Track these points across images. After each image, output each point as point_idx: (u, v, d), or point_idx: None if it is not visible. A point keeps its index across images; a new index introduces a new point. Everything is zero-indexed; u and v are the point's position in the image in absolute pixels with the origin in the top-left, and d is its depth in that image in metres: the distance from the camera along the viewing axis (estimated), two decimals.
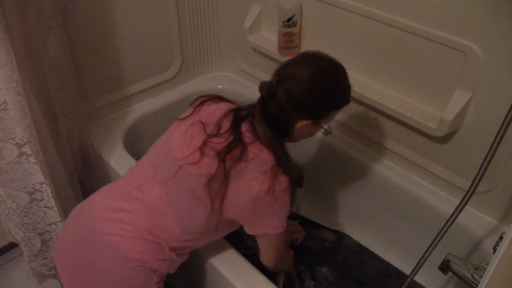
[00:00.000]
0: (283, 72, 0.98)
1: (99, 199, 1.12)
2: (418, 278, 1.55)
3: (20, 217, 1.36)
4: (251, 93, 1.89)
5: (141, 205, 1.04)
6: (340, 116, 1.60)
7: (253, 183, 0.95)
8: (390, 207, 1.56)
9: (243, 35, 1.74)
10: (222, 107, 1.06)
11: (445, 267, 1.16)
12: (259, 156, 0.96)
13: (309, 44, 1.58)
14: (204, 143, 0.98)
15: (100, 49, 1.58)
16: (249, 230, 1.06)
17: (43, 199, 1.35)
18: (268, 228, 1.04)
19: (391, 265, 1.61)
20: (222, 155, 0.95)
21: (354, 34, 1.41)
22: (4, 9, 1.13)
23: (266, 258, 1.15)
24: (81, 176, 1.62)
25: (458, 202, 1.39)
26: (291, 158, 1.07)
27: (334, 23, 1.45)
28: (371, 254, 1.66)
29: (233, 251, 1.22)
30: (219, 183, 0.95)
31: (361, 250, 1.67)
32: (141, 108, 1.79)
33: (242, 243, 1.68)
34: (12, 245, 1.77)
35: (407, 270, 1.58)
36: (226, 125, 1.00)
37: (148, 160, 1.11)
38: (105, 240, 1.02)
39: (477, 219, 1.33)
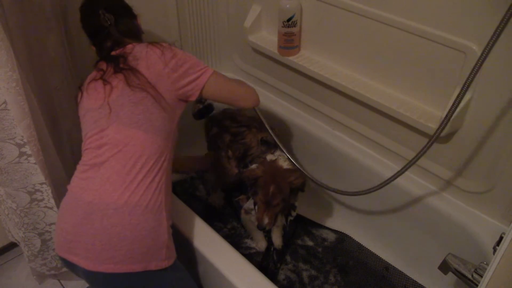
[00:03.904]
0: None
1: (76, 182, 1.13)
2: (418, 278, 1.55)
3: (20, 217, 1.36)
4: None
5: (112, 149, 1.10)
6: (339, 116, 1.61)
7: (149, 56, 1.18)
8: (390, 207, 1.56)
9: (243, 35, 1.74)
10: (93, 70, 1.24)
11: (445, 267, 1.16)
12: (136, 45, 1.22)
13: (309, 44, 1.58)
14: (103, 80, 1.17)
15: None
16: (197, 89, 1.22)
17: (43, 199, 1.35)
18: (203, 74, 1.21)
19: (391, 265, 1.61)
20: (117, 68, 1.16)
21: (354, 34, 1.41)
22: (4, 9, 1.14)
23: (242, 92, 1.32)
24: None
25: (458, 201, 1.40)
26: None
27: (334, 23, 1.45)
28: (370, 254, 1.66)
29: (233, 251, 1.22)
30: (135, 77, 1.14)
31: (361, 250, 1.67)
32: None
33: (242, 243, 1.69)
34: (12, 245, 1.77)
35: (407, 270, 1.58)
36: (103, 64, 1.21)
37: (87, 132, 1.16)
38: (102, 203, 1.05)
39: (477, 219, 1.33)
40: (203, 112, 1.59)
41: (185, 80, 1.19)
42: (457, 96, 1.06)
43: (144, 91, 1.13)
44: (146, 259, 1.06)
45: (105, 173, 1.07)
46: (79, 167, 1.13)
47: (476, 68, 1.00)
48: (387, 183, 1.28)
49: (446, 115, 1.10)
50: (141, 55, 1.17)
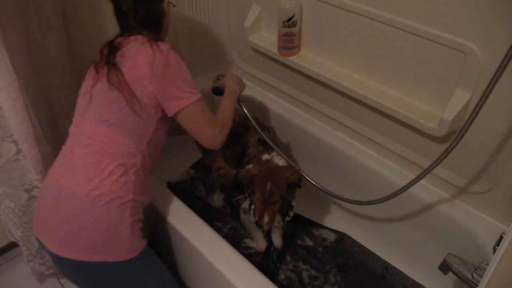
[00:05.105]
0: None
1: (55, 165, 1.17)
2: (418, 278, 1.55)
3: (18, 216, 1.37)
4: (250, 92, 1.90)
5: (81, 141, 1.13)
6: (339, 116, 1.61)
7: (138, 54, 1.13)
8: (390, 207, 1.55)
9: (243, 35, 1.74)
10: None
11: (445, 267, 1.16)
12: (134, 40, 1.17)
13: (309, 44, 1.58)
14: (96, 68, 1.17)
15: (99, 49, 1.57)
16: (171, 110, 1.17)
17: None
18: (184, 98, 1.16)
19: (391, 265, 1.61)
20: (108, 59, 1.15)
21: (354, 34, 1.41)
22: (4, 9, 1.14)
23: (207, 134, 1.25)
24: None
25: (458, 201, 1.40)
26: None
27: (334, 23, 1.45)
28: (370, 254, 1.66)
29: (233, 251, 1.22)
30: (115, 75, 1.13)
31: (361, 250, 1.67)
32: None
33: (242, 243, 1.69)
34: (12, 245, 1.77)
35: (407, 270, 1.58)
36: (106, 50, 1.20)
37: (74, 115, 1.20)
38: (70, 191, 1.09)
39: (477, 219, 1.33)
40: (222, 90, 1.49)
41: (166, 93, 1.15)
42: (477, 104, 1.05)
43: (119, 92, 1.12)
44: (105, 251, 1.10)
45: (76, 163, 1.11)
46: (60, 154, 1.18)
47: (496, 76, 1.00)
48: (400, 192, 1.29)
49: (465, 123, 1.09)
50: (129, 53, 1.14)
